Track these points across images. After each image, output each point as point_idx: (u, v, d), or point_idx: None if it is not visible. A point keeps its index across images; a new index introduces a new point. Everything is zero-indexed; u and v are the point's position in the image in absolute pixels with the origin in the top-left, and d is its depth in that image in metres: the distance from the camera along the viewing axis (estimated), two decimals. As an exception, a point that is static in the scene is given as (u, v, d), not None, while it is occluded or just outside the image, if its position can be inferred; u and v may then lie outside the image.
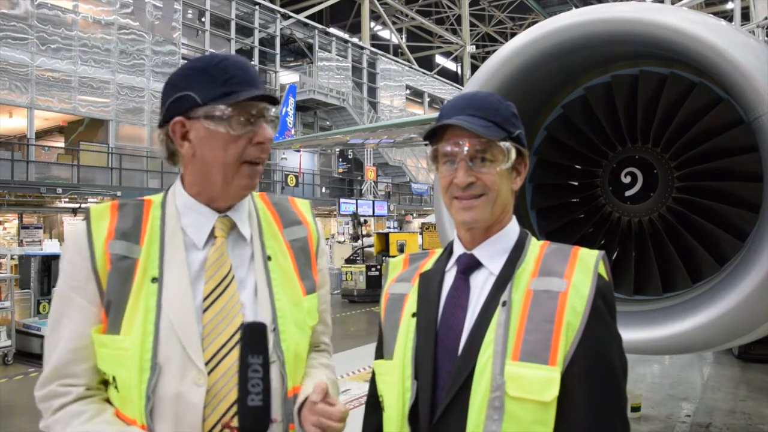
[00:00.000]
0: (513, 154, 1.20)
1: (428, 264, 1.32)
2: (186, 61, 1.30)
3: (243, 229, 1.29)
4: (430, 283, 1.26)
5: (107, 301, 1.18)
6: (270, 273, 1.28)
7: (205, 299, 1.20)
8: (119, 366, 1.15)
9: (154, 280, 1.19)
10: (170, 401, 1.14)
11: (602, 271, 1.16)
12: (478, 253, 1.23)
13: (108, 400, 1.21)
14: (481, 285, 1.21)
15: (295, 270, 1.33)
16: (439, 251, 1.34)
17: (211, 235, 1.26)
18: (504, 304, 1.15)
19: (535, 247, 1.23)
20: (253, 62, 27.67)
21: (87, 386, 1.19)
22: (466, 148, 1.18)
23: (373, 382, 1.32)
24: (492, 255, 1.22)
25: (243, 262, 1.27)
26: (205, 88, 1.21)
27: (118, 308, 1.17)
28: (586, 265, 1.15)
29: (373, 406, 1.31)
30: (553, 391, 1.08)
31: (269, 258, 1.30)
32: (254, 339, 1.12)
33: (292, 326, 1.27)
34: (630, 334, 2.66)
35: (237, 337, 1.18)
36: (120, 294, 1.18)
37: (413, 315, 1.24)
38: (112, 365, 1.16)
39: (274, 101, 1.26)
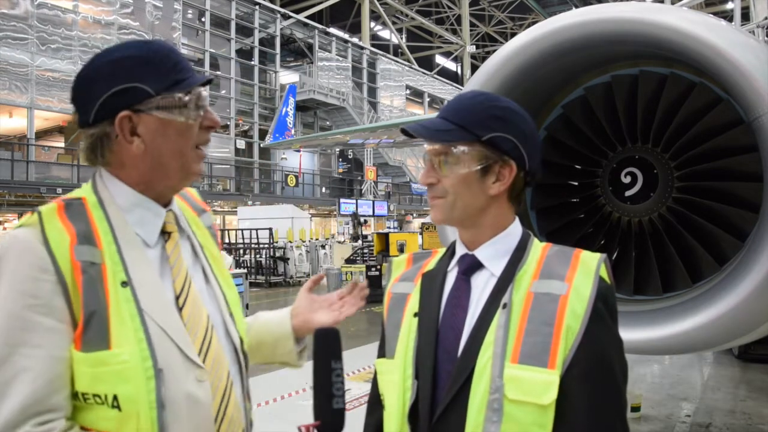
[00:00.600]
0: (472, 159, 1.17)
1: (431, 264, 1.32)
2: (99, 52, 1.18)
3: (182, 222, 1.29)
4: (432, 283, 1.26)
5: (88, 313, 1.06)
6: (209, 261, 1.31)
7: (178, 297, 1.18)
8: (122, 381, 1.05)
9: (124, 284, 1.10)
10: (182, 404, 1.10)
11: (604, 274, 1.15)
12: (480, 254, 1.22)
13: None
14: (482, 286, 1.21)
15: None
16: (442, 251, 1.34)
17: (161, 232, 1.22)
18: (504, 306, 1.14)
19: (537, 249, 1.22)
20: (252, 62, 27.69)
21: (66, 416, 1.05)
22: (430, 151, 1.21)
23: (375, 381, 1.33)
24: (493, 256, 1.22)
25: (187, 254, 1.27)
26: (152, 78, 1.14)
27: (101, 320, 1.06)
28: (588, 268, 1.15)
29: (375, 404, 1.31)
30: (551, 394, 1.07)
31: (202, 246, 1.31)
32: (334, 345, 1.15)
33: (237, 307, 1.31)
34: (630, 334, 2.66)
35: (210, 328, 1.20)
36: (99, 304, 1.07)
37: (415, 315, 1.25)
38: (114, 383, 1.05)
39: (210, 83, 1.25)
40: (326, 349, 1.14)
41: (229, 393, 1.20)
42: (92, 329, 1.06)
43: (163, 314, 1.13)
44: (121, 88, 1.13)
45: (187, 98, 1.17)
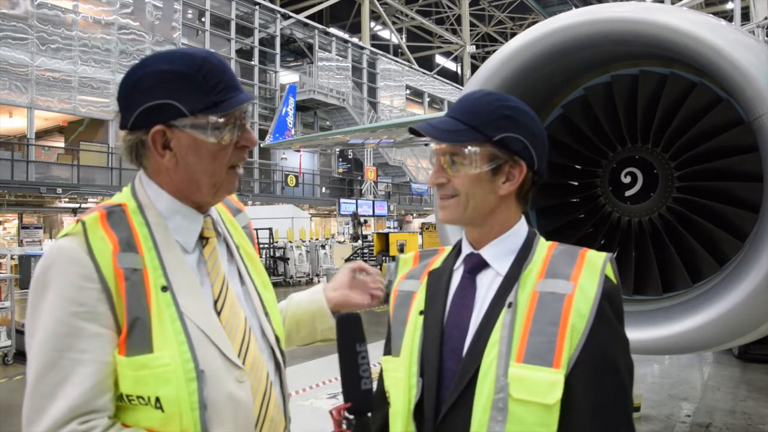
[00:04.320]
0: (483, 160, 1.17)
1: (437, 262, 1.32)
2: (151, 55, 1.19)
3: (219, 225, 1.31)
4: (438, 281, 1.27)
5: (131, 319, 1.09)
6: (245, 262, 1.33)
7: (216, 301, 1.20)
8: (164, 383, 1.08)
9: (164, 289, 1.13)
10: (224, 404, 1.12)
11: (610, 273, 1.15)
12: (485, 253, 1.23)
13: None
14: (487, 285, 1.21)
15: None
16: (448, 249, 1.34)
17: (199, 237, 1.24)
18: (510, 305, 1.14)
19: (543, 248, 1.22)
20: (252, 62, 27.68)
21: (110, 415, 1.08)
22: (438, 150, 1.21)
23: (380, 378, 1.33)
24: (499, 255, 1.22)
25: (224, 257, 1.29)
26: (189, 97, 1.14)
27: (143, 325, 1.09)
28: (594, 267, 1.15)
29: (381, 401, 1.31)
30: (556, 394, 1.07)
31: (238, 247, 1.33)
32: (357, 329, 1.17)
33: (273, 307, 1.34)
34: (630, 334, 2.62)
35: (248, 331, 1.22)
36: (142, 310, 1.10)
37: (421, 313, 1.25)
38: (156, 385, 1.07)
39: (251, 100, 1.25)
40: (350, 333, 1.16)
41: (270, 393, 1.22)
42: (135, 334, 1.09)
43: (202, 317, 1.15)
44: (157, 104, 1.14)
45: (221, 121, 1.17)
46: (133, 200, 1.20)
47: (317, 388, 6.17)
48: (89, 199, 19.85)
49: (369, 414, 1.12)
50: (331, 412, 1.12)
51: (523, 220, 1.26)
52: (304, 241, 19.48)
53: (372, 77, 34.87)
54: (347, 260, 15.85)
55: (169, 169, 1.19)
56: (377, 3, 35.62)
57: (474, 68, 20.14)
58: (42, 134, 22.38)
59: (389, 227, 27.96)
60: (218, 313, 1.19)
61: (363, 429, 1.10)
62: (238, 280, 1.29)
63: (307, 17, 31.08)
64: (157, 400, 1.07)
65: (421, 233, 16.54)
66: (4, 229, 22.70)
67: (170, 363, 1.08)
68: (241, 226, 1.40)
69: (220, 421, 1.11)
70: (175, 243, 1.19)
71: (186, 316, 1.13)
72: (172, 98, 1.14)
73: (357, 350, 1.14)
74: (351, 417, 1.10)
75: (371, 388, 1.14)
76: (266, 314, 1.30)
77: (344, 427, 1.10)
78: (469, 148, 1.18)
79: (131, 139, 1.18)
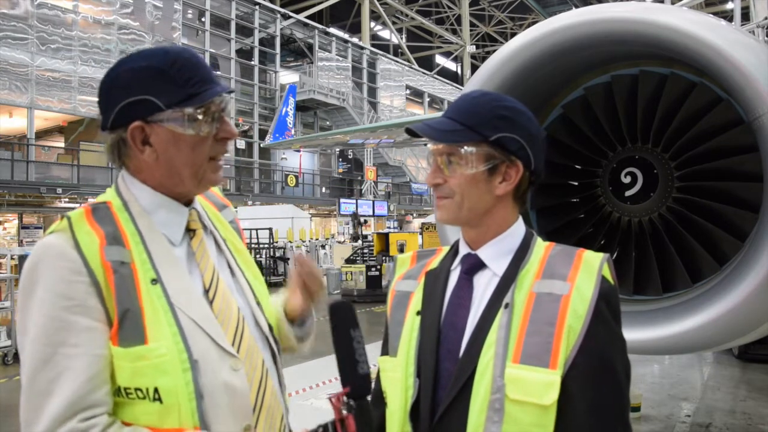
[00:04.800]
0: (479, 160, 1.17)
1: (435, 262, 1.33)
2: (127, 55, 1.21)
3: (205, 219, 1.32)
4: (435, 281, 1.27)
5: (122, 311, 1.09)
6: (233, 255, 1.34)
7: (207, 291, 1.21)
8: (161, 374, 1.08)
9: (153, 281, 1.13)
10: (220, 393, 1.13)
11: (607, 274, 1.15)
12: (482, 253, 1.23)
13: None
14: (484, 286, 1.21)
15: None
16: (446, 249, 1.35)
17: (185, 230, 1.25)
18: (506, 305, 1.14)
19: (540, 248, 1.22)
20: (252, 62, 27.68)
21: (108, 412, 1.08)
22: (435, 150, 1.22)
23: (378, 378, 1.33)
24: (496, 256, 1.22)
25: (212, 250, 1.30)
26: (165, 91, 1.15)
27: (134, 317, 1.10)
28: (590, 267, 1.14)
29: (378, 400, 1.31)
30: (552, 395, 1.07)
31: (225, 240, 1.34)
32: (350, 315, 1.18)
33: (265, 297, 1.35)
34: (630, 334, 2.63)
35: (242, 319, 1.23)
36: (132, 302, 1.10)
37: (418, 313, 1.25)
38: (154, 376, 1.08)
39: (229, 91, 1.25)
40: (343, 319, 1.18)
41: (266, 381, 1.23)
42: (127, 326, 1.10)
43: (193, 307, 1.16)
44: (135, 100, 1.15)
45: (198, 112, 1.17)
46: (117, 198, 1.22)
47: (317, 388, 6.17)
48: (89, 199, 19.85)
49: (368, 397, 1.13)
50: (330, 399, 1.12)
51: (520, 221, 1.26)
52: (304, 241, 19.48)
53: (372, 77, 34.86)
54: (347, 260, 15.84)
55: (151, 165, 1.20)
56: (377, 3, 35.61)
57: (474, 68, 20.14)
58: (42, 134, 22.37)
59: (389, 227, 27.95)
60: (210, 303, 1.20)
61: (363, 412, 1.11)
62: (228, 271, 1.30)
63: (307, 17, 31.07)
64: (156, 390, 1.08)
65: (421, 233, 16.52)
66: (4, 229, 22.69)
67: (167, 353, 1.09)
68: (227, 221, 1.40)
69: (217, 409, 1.12)
70: (161, 236, 1.20)
71: (177, 307, 1.13)
72: (148, 93, 1.15)
73: (351, 335, 1.16)
74: (350, 401, 1.11)
75: (368, 372, 1.14)
76: (258, 304, 1.31)
77: (345, 411, 1.10)
78: (466, 148, 1.18)
79: (113, 138, 1.20)
